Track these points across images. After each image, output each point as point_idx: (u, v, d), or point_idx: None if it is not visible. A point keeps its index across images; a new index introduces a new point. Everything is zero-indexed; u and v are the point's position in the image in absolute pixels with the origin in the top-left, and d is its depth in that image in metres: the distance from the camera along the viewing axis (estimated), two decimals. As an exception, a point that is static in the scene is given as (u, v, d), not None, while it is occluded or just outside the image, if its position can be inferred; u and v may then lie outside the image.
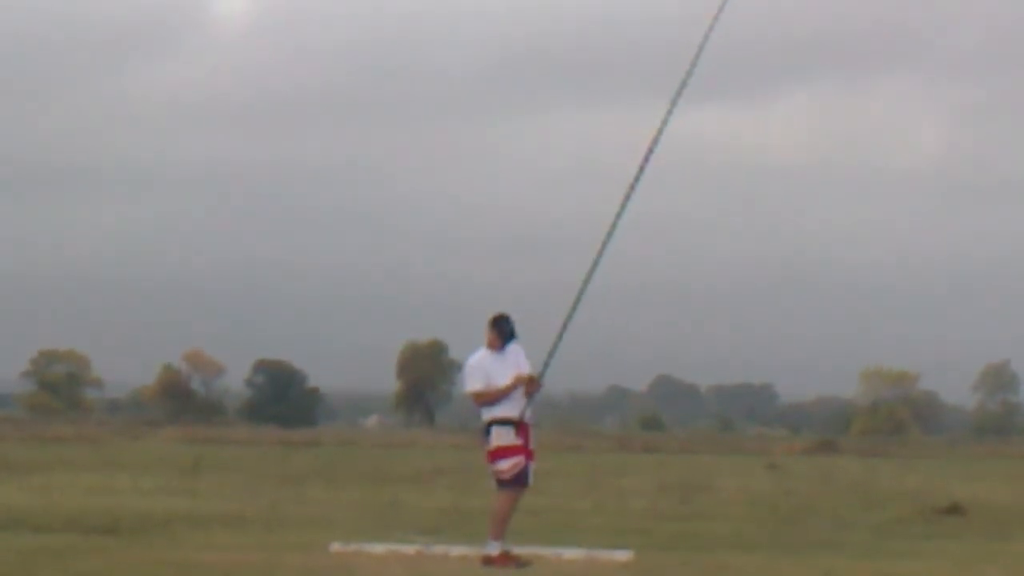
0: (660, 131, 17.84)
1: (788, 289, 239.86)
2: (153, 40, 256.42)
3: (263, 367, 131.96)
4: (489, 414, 17.47)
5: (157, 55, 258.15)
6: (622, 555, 18.81)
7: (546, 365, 17.66)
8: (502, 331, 17.56)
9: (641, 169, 17.77)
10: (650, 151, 17.78)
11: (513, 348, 17.55)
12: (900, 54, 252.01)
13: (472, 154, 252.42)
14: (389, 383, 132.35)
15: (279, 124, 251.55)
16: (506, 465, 17.36)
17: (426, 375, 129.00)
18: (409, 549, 18.99)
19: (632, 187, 17.70)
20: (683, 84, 17.99)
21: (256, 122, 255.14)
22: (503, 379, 17.37)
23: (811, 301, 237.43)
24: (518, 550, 17.76)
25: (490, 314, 17.67)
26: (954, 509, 29.19)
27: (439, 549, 19.03)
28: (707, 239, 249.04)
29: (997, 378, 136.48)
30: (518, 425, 17.37)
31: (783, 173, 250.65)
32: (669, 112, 17.95)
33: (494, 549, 17.40)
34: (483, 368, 17.48)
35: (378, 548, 19.10)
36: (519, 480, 17.40)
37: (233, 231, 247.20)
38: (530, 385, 17.41)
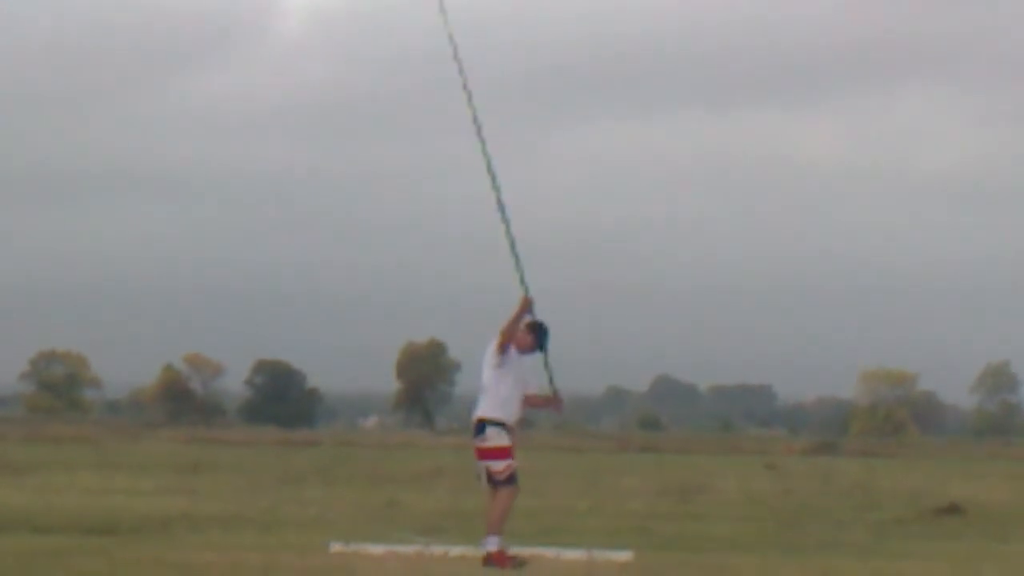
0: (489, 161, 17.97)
1: (787, 289, 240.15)
2: (207, 52, 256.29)
3: (263, 368, 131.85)
4: (483, 413, 17.60)
5: (209, 67, 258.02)
6: (621, 556, 18.81)
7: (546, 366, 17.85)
8: (537, 339, 17.74)
9: (498, 190, 17.91)
10: (492, 173, 17.93)
11: (530, 359, 17.75)
12: (930, 62, 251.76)
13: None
14: (388, 383, 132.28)
15: (289, 133, 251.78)
16: (501, 466, 17.56)
17: (425, 375, 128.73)
18: (408, 549, 18.99)
19: (501, 206, 17.84)
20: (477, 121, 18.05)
21: (268, 131, 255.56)
22: (513, 376, 17.51)
23: (810, 301, 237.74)
24: (517, 551, 17.77)
25: (532, 318, 17.66)
26: (953, 509, 29.19)
27: (438, 549, 19.03)
28: (706, 240, 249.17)
29: (996, 379, 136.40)
30: (509, 428, 17.61)
31: (785, 176, 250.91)
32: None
33: (493, 545, 17.45)
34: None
35: (377, 549, 19.09)
36: (512, 480, 17.58)
37: (235, 233, 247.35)
38: (556, 404, 18.00)
